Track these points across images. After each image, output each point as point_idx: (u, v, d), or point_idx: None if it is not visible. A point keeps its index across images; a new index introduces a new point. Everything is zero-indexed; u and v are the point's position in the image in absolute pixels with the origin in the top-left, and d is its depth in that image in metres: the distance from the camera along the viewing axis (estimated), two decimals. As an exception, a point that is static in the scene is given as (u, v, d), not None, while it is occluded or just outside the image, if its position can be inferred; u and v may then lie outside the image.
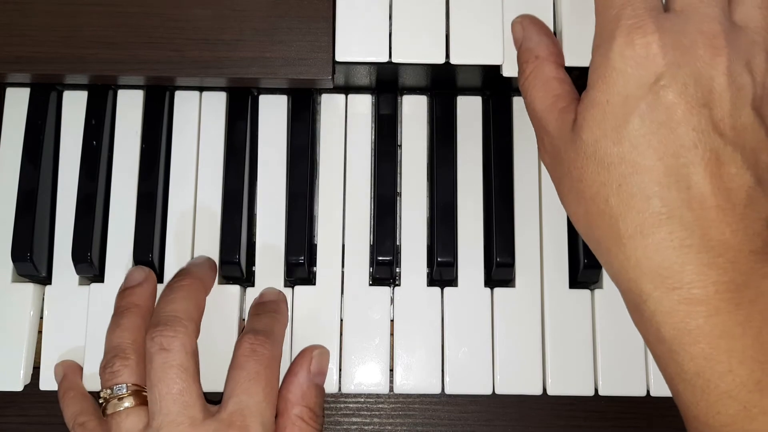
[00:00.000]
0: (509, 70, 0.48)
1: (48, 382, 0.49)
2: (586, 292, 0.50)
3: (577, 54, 0.47)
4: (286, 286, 0.50)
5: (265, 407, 0.43)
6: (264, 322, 0.46)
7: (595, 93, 0.40)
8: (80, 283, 0.50)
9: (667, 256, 0.38)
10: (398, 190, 0.51)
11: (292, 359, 0.48)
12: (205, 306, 0.47)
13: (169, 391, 0.43)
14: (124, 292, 0.48)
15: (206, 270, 0.49)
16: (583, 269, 0.49)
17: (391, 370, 0.49)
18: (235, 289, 0.49)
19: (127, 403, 0.44)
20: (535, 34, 0.46)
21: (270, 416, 0.44)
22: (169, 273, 0.50)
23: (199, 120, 0.52)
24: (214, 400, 0.45)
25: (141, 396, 0.44)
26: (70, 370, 0.48)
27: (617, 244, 0.40)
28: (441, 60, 0.48)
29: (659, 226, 0.38)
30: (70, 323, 0.49)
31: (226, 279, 0.51)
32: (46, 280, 0.50)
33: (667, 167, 0.38)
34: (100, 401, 0.45)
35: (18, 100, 0.52)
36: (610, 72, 0.40)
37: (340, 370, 0.49)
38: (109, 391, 0.44)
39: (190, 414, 0.42)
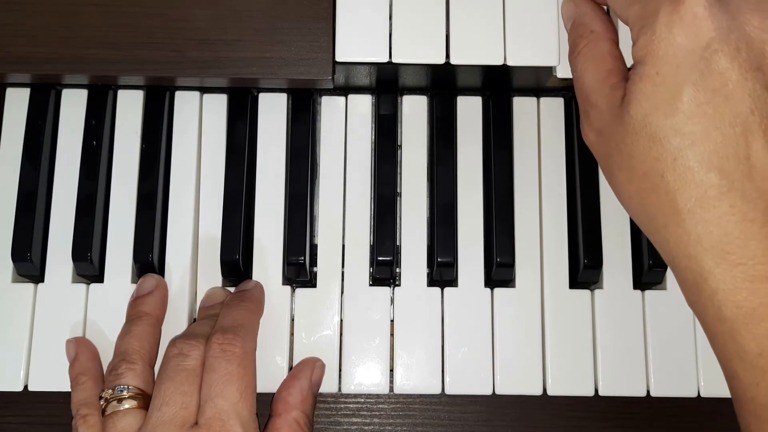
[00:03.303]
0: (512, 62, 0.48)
1: (37, 383, 0.48)
2: (586, 292, 0.50)
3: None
4: (284, 285, 0.50)
5: (242, 407, 0.43)
6: (233, 316, 0.46)
7: (643, 67, 0.39)
8: (73, 281, 0.50)
9: (730, 231, 0.36)
10: (398, 190, 0.51)
11: (291, 357, 0.48)
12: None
13: (175, 390, 0.43)
14: (135, 300, 0.48)
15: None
16: (583, 269, 0.49)
17: (391, 371, 0.49)
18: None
19: (127, 404, 0.44)
20: (590, 10, 0.46)
21: (248, 414, 0.43)
22: (169, 273, 0.50)
23: (200, 120, 0.52)
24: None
25: (142, 400, 0.44)
26: (82, 350, 0.48)
27: (675, 219, 0.38)
28: (441, 60, 0.48)
29: (720, 200, 0.37)
30: (63, 321, 0.49)
31: (227, 279, 0.51)
32: (39, 278, 0.50)
33: (724, 137, 0.37)
34: (102, 402, 0.45)
35: (18, 100, 0.52)
36: (657, 44, 0.39)
37: (340, 370, 0.49)
38: (110, 391, 0.44)
39: (184, 416, 0.42)
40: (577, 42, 0.45)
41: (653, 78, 0.39)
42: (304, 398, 0.46)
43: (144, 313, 0.47)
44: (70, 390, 0.47)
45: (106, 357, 0.48)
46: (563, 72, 0.48)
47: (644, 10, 0.40)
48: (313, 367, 0.47)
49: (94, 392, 0.46)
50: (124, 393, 0.44)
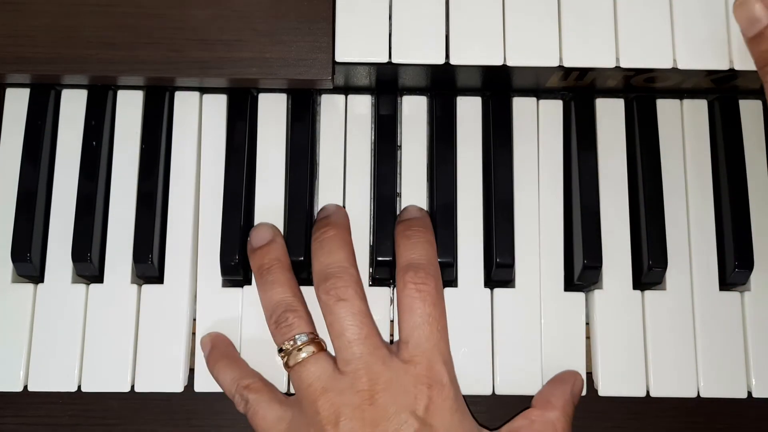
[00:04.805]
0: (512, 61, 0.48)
1: (37, 383, 0.48)
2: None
3: (580, 54, 0.48)
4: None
5: (443, 346, 0.45)
6: (420, 251, 0.46)
7: None
8: (73, 281, 0.50)
9: None
10: (398, 191, 0.51)
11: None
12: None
13: (358, 337, 0.44)
14: (261, 249, 0.48)
15: (344, 217, 0.49)
16: (583, 269, 0.49)
17: (391, 371, 0.49)
18: (235, 289, 0.50)
19: (309, 351, 0.44)
20: None
21: (447, 351, 0.45)
22: (169, 273, 0.50)
23: (199, 120, 0.52)
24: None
25: (318, 344, 0.45)
26: (218, 341, 0.48)
27: None
28: (441, 60, 0.48)
29: None
30: (63, 321, 0.49)
31: (226, 280, 0.51)
32: (39, 278, 0.50)
33: None
34: (281, 355, 0.45)
35: (18, 100, 0.52)
36: None
37: (340, 370, 0.49)
38: (291, 342, 0.45)
39: (380, 354, 0.44)
40: None
41: None
42: (565, 402, 0.46)
43: (276, 259, 0.47)
44: (71, 391, 0.48)
45: (108, 356, 0.48)
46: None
47: None
48: (575, 378, 0.47)
49: (242, 367, 0.47)
50: (305, 339, 0.45)
